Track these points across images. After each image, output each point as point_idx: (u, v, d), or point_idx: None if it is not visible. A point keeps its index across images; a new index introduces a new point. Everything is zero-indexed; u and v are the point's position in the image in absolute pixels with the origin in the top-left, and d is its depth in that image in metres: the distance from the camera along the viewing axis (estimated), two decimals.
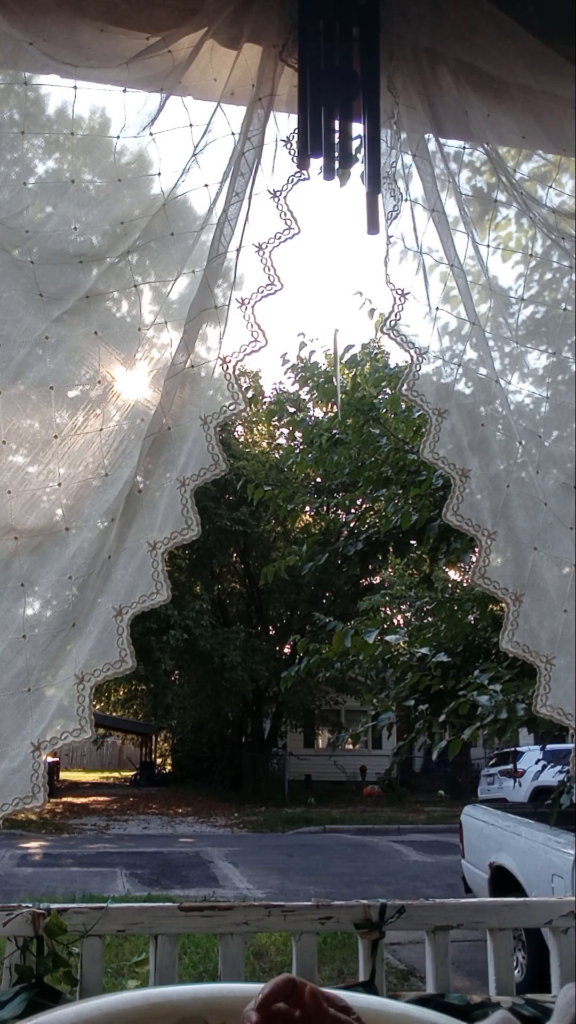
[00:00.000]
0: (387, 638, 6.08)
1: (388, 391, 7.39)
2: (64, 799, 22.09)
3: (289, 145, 1.44)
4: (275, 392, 18.58)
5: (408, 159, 1.50)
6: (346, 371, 8.48)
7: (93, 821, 18.22)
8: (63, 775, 28.05)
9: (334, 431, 7.18)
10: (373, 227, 1.48)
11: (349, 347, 8.28)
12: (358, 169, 1.50)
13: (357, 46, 1.44)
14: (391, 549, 7.07)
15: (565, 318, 1.57)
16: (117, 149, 1.42)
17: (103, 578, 1.37)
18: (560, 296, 1.59)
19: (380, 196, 1.47)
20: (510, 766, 16.32)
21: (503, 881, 6.56)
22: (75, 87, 1.39)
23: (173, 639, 20.43)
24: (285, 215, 1.41)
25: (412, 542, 6.82)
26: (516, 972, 5.93)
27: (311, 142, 1.42)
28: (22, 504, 1.37)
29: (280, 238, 1.41)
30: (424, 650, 6.00)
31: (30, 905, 1.72)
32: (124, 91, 1.41)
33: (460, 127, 1.53)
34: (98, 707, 26.59)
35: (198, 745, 25.92)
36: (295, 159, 1.44)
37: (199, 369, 1.43)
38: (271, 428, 21.35)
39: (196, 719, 24.91)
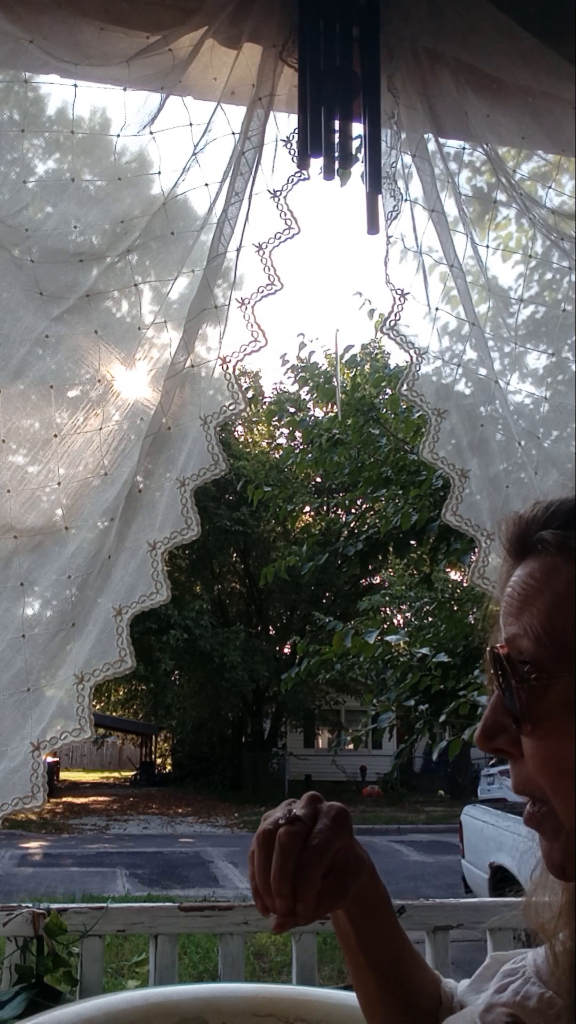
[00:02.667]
0: (387, 638, 6.08)
1: (388, 391, 7.40)
2: (64, 799, 22.09)
3: (289, 145, 1.44)
4: (275, 392, 18.58)
5: (408, 159, 1.50)
6: (346, 371, 8.48)
7: (93, 821, 18.22)
8: (63, 775, 28.07)
9: (334, 431, 7.19)
10: (373, 227, 1.48)
11: (349, 347, 8.29)
12: (358, 169, 1.50)
13: (357, 46, 1.44)
14: (391, 549, 7.08)
15: (565, 318, 1.57)
16: (117, 148, 1.42)
17: (103, 578, 1.37)
18: (560, 296, 1.59)
19: (380, 196, 1.47)
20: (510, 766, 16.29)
21: (503, 881, 6.56)
22: (75, 86, 1.39)
23: (173, 639, 20.45)
24: (285, 215, 1.41)
25: (412, 542, 6.82)
26: None
27: (311, 142, 1.42)
28: (22, 503, 1.37)
29: (280, 238, 1.41)
30: (424, 650, 5.99)
31: (30, 905, 1.72)
32: (124, 90, 1.41)
33: (460, 127, 1.52)
34: (98, 707, 26.59)
35: (198, 745, 25.93)
36: (295, 159, 1.44)
37: (199, 369, 1.43)
38: (271, 428, 21.32)
39: (196, 719, 24.91)
